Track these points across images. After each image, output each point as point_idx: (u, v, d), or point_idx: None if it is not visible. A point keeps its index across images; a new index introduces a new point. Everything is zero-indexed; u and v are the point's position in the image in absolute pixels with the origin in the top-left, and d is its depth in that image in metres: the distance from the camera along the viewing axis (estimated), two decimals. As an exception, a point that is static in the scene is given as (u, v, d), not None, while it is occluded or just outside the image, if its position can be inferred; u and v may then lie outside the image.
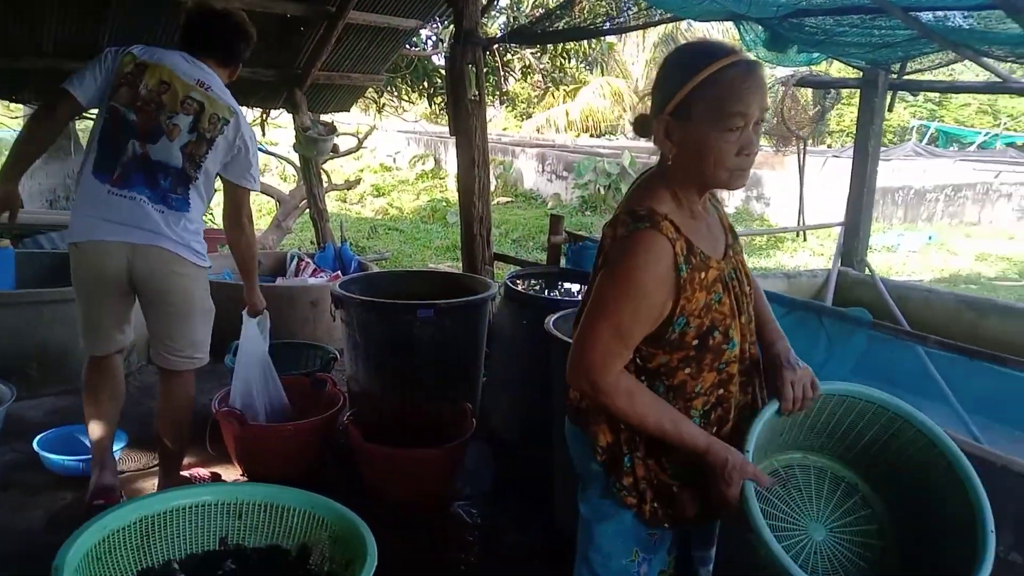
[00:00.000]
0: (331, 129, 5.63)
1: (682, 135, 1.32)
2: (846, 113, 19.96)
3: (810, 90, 5.40)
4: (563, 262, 3.96)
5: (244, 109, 3.39)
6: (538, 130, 23.26)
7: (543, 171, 14.27)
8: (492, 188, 14.74)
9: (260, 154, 3.25)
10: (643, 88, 23.20)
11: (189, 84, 2.39)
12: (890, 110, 4.42)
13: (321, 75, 5.18)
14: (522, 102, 25.52)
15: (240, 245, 2.65)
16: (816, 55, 3.88)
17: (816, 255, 9.82)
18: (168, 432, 2.60)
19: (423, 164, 16.70)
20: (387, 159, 17.66)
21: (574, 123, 22.42)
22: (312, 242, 8.29)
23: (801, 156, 5.04)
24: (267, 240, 6.86)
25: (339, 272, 5.15)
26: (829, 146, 21.06)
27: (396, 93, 7.70)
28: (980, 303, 3.81)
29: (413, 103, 8.04)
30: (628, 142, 20.89)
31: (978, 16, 2.87)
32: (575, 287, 3.33)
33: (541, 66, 6.87)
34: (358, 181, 6.61)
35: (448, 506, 2.93)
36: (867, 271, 4.31)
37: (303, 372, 3.37)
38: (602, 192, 12.30)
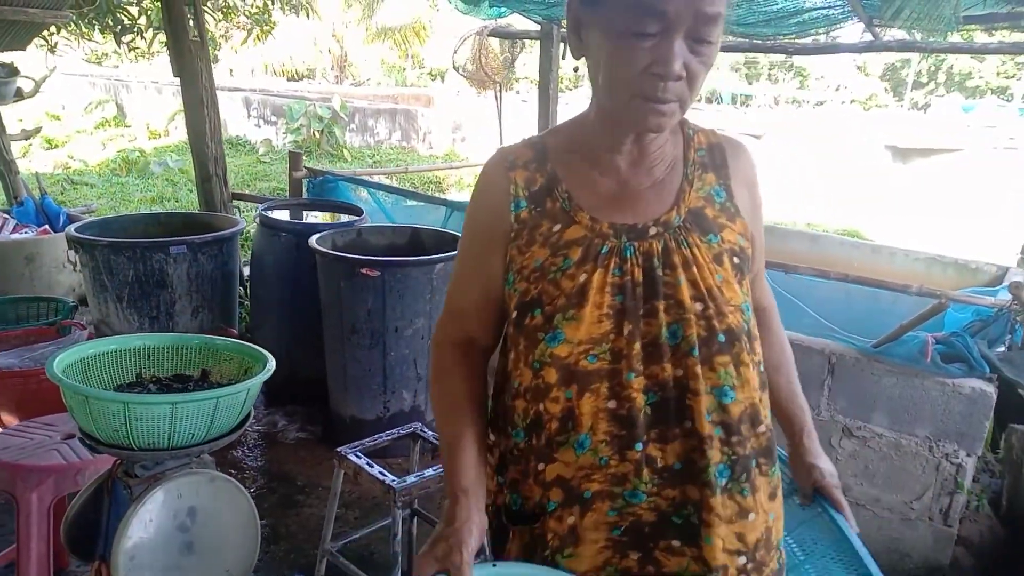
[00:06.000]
0: (12, 71, 5.09)
1: (589, 33, 0.92)
2: (531, 63, 21.91)
3: (502, 41, 6.20)
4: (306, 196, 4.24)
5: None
6: (231, 73, 21.92)
7: (249, 116, 13.72)
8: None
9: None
10: (339, 31, 22.94)
11: None
12: (564, 58, 5.35)
13: (-8, 9, 4.65)
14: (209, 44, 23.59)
15: None
16: (504, 9, 4.60)
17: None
18: None
19: (102, 111, 14.91)
20: (55, 107, 15.41)
21: (269, 67, 21.57)
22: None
23: (498, 99, 5.84)
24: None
25: (47, 227, 4.80)
26: (518, 92, 23.02)
27: (78, 31, 6.94)
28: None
29: (98, 43, 7.30)
30: (331, 86, 20.69)
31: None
32: (322, 215, 3.69)
33: (245, 6, 6.72)
34: (38, 130, 5.99)
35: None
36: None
37: (47, 322, 3.28)
38: (317, 136, 12.28)
